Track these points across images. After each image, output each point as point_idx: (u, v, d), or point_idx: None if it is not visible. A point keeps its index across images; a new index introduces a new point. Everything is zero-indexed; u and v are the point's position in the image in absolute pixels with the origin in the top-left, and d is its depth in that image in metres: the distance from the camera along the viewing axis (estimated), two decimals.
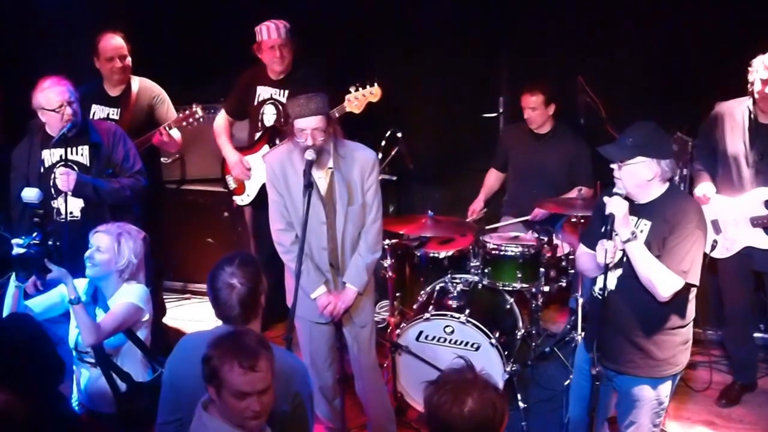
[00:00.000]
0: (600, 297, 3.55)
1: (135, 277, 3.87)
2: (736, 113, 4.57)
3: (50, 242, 3.58)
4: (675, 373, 3.64)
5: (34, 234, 3.57)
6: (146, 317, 3.84)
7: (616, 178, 3.52)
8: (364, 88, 4.83)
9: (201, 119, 5.26)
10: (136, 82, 5.22)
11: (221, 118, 5.50)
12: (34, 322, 3.16)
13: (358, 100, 4.83)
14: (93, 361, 3.76)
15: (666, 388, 3.64)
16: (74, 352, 3.84)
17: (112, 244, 3.77)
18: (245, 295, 3.04)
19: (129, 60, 5.15)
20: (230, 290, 3.04)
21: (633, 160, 3.45)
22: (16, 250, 3.52)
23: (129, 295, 3.79)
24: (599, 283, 3.60)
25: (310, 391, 3.17)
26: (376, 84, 4.82)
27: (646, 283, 3.44)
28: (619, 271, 3.56)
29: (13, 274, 3.66)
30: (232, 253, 3.22)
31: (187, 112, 5.20)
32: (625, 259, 3.51)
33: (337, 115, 4.88)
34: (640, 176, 3.47)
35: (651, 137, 3.47)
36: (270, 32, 5.13)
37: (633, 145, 3.44)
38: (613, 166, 3.52)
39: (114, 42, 5.10)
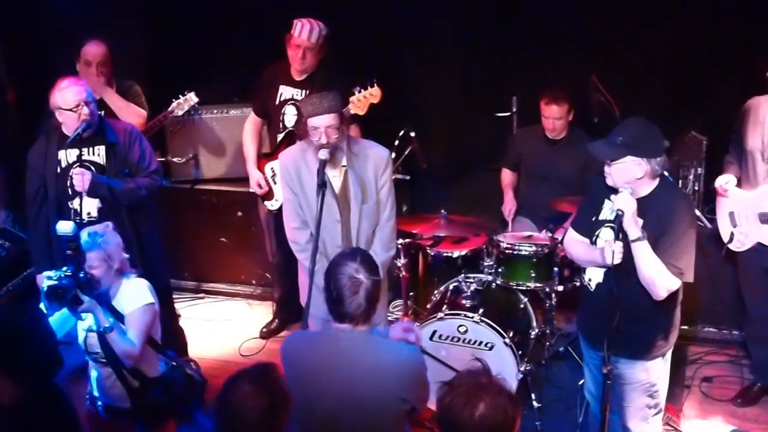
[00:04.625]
0: (590, 288, 3.65)
1: (125, 267, 3.87)
2: (760, 109, 4.52)
3: (81, 274, 3.61)
4: (664, 353, 3.68)
5: (66, 267, 3.59)
6: (156, 308, 3.86)
7: (606, 173, 3.51)
8: (365, 89, 4.84)
9: (195, 108, 5.33)
10: (114, 87, 5.25)
11: (249, 123, 5.48)
12: (38, 314, 3.18)
13: (360, 102, 4.83)
14: (105, 360, 3.78)
15: (657, 368, 3.67)
16: (86, 354, 3.86)
17: (100, 255, 3.73)
18: (372, 289, 2.99)
19: (108, 69, 5.17)
20: (358, 286, 2.96)
21: (622, 159, 3.43)
22: (47, 283, 3.52)
23: (136, 295, 3.79)
24: (589, 273, 3.67)
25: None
26: (375, 85, 4.83)
27: (646, 282, 3.45)
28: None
29: (41, 303, 3.65)
30: (349, 249, 3.21)
31: (181, 99, 5.29)
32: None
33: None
34: (630, 175, 3.45)
35: (641, 136, 3.45)
36: (302, 31, 5.05)
37: (622, 144, 3.42)
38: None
39: (96, 48, 5.14)
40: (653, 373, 3.67)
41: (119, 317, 3.73)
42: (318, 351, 3.06)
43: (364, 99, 4.82)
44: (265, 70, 5.39)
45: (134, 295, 3.80)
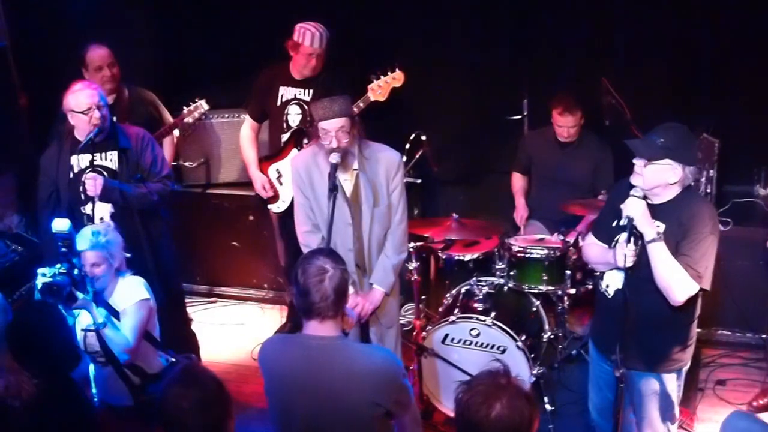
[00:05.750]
0: (608, 295, 3.62)
1: (122, 266, 3.91)
2: None
3: (75, 271, 3.63)
4: (680, 368, 3.66)
5: (60, 264, 3.61)
6: (152, 304, 3.89)
7: (637, 173, 3.48)
8: (385, 75, 4.81)
9: (205, 115, 5.33)
10: (126, 90, 5.27)
11: (246, 129, 5.50)
12: (56, 312, 3.22)
13: (381, 87, 4.79)
14: (104, 360, 3.80)
15: (671, 382, 3.65)
16: (86, 354, 3.90)
17: (102, 254, 3.79)
18: (339, 281, 2.94)
19: (117, 69, 5.20)
20: (324, 275, 2.92)
21: (661, 161, 3.41)
22: (42, 280, 3.55)
23: (131, 292, 3.84)
24: (607, 280, 3.65)
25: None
26: (397, 69, 4.79)
27: (663, 285, 3.43)
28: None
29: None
30: (317, 248, 3.15)
31: (191, 106, 5.30)
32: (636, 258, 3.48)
33: (362, 105, 4.87)
34: (663, 178, 3.43)
35: (682, 141, 3.43)
36: (313, 40, 5.05)
37: (663, 146, 3.40)
38: (636, 161, 3.47)
39: (101, 51, 5.17)
40: (669, 385, 3.65)
41: (115, 314, 3.76)
42: (291, 358, 3.03)
43: (385, 84, 4.79)
44: (259, 75, 5.40)
45: (129, 291, 3.85)
